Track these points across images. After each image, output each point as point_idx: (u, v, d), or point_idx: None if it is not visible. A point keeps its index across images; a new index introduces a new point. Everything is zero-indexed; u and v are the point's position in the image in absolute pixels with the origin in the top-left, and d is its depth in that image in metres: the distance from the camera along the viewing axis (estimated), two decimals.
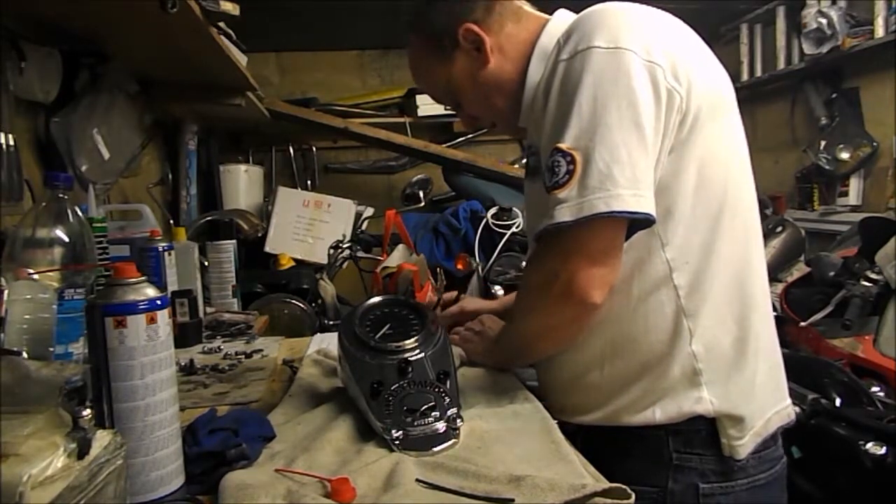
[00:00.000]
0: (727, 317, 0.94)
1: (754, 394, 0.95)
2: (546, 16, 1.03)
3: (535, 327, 0.98)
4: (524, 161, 1.26)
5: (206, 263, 1.84)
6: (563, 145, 0.85)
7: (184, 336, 1.41)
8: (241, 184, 2.93)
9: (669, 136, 0.88)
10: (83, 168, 1.65)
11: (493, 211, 2.45)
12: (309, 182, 3.33)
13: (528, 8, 1.05)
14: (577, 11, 0.96)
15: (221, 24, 1.63)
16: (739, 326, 0.94)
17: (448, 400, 0.89)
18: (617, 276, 0.89)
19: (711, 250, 0.92)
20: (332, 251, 2.17)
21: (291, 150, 3.34)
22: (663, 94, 0.86)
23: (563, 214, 0.84)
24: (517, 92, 1.01)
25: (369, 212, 2.72)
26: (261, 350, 1.39)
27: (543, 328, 0.96)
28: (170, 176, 2.52)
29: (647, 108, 0.85)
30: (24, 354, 0.85)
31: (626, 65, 0.85)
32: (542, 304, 0.93)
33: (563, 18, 1.00)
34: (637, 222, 0.86)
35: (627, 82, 0.84)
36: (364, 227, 2.60)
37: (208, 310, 1.77)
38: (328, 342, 1.36)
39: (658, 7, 0.96)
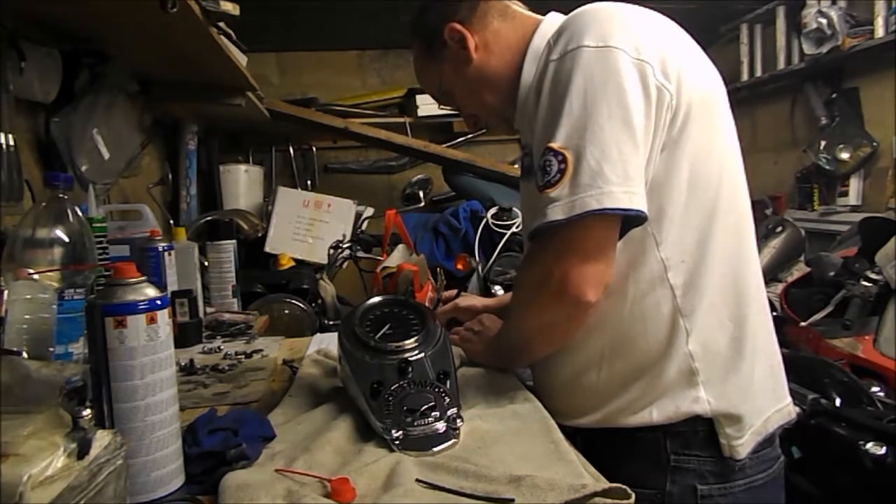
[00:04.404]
0: (723, 315, 0.94)
1: (752, 392, 0.95)
2: (539, 17, 1.04)
3: (531, 326, 0.98)
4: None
5: (206, 263, 1.84)
6: (554, 144, 0.86)
7: (184, 336, 1.41)
8: (241, 184, 2.93)
9: (660, 133, 0.88)
10: (83, 168, 1.65)
11: (493, 211, 2.45)
12: (309, 182, 3.33)
13: (517, 7, 1.06)
14: (569, 13, 0.97)
15: (221, 24, 1.63)
16: (736, 325, 0.94)
17: (448, 400, 0.89)
18: (611, 273, 0.89)
19: (706, 249, 0.92)
20: (332, 251, 2.17)
21: (291, 150, 3.34)
22: (653, 91, 0.86)
23: (556, 213, 0.85)
24: (509, 89, 1.02)
25: (369, 212, 2.72)
26: (261, 350, 1.39)
27: (539, 327, 0.96)
28: (170, 176, 2.52)
29: (637, 106, 0.85)
30: (24, 354, 0.85)
31: (616, 63, 0.85)
32: (537, 303, 0.93)
33: (554, 19, 1.01)
34: (630, 220, 0.87)
35: (617, 81, 0.85)
36: (364, 227, 2.60)
37: (208, 310, 1.77)
38: (328, 342, 1.36)
39: (657, 7, 0.96)
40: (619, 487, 0.70)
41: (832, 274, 2.14)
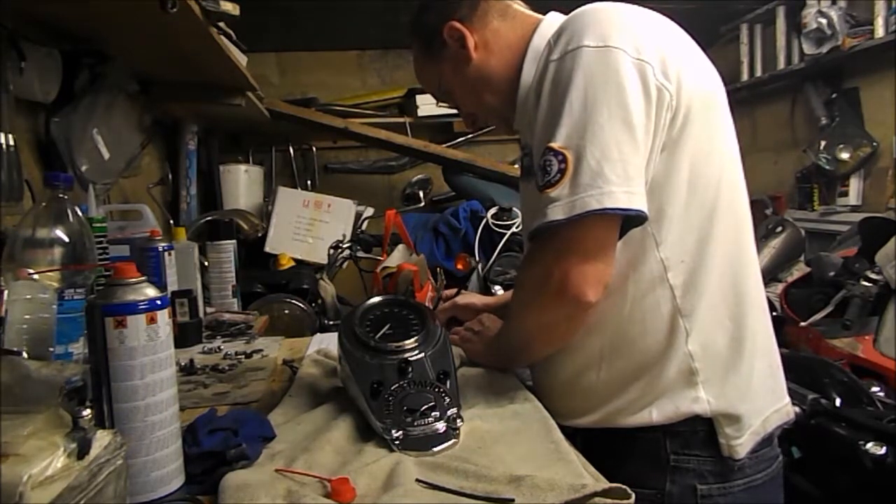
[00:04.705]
0: (723, 315, 0.94)
1: (751, 392, 0.95)
2: (539, 16, 1.04)
3: (531, 326, 0.98)
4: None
5: (206, 263, 1.84)
6: (554, 144, 0.86)
7: (184, 336, 1.41)
8: (241, 184, 2.93)
9: (660, 134, 0.88)
10: (83, 168, 1.65)
11: (493, 211, 2.45)
12: (309, 182, 3.33)
13: (518, 6, 1.06)
14: (569, 12, 0.97)
15: (221, 24, 1.63)
16: (735, 325, 0.94)
17: (448, 400, 0.89)
18: (611, 273, 0.89)
19: (706, 249, 0.92)
20: (332, 251, 2.17)
21: (291, 150, 3.34)
22: (653, 91, 0.86)
23: (556, 213, 0.85)
24: (509, 90, 1.02)
25: (369, 212, 2.72)
26: (261, 350, 1.39)
27: (539, 327, 0.96)
28: (170, 176, 2.52)
29: (637, 106, 0.85)
30: (24, 354, 0.85)
31: (616, 63, 0.85)
32: (537, 303, 0.93)
33: (554, 19, 1.01)
34: (630, 220, 0.87)
35: (617, 80, 0.85)
36: (364, 227, 2.60)
37: (208, 310, 1.77)
38: (328, 342, 1.36)
39: (657, 7, 0.96)
40: (618, 487, 0.70)
41: (832, 274, 2.14)
